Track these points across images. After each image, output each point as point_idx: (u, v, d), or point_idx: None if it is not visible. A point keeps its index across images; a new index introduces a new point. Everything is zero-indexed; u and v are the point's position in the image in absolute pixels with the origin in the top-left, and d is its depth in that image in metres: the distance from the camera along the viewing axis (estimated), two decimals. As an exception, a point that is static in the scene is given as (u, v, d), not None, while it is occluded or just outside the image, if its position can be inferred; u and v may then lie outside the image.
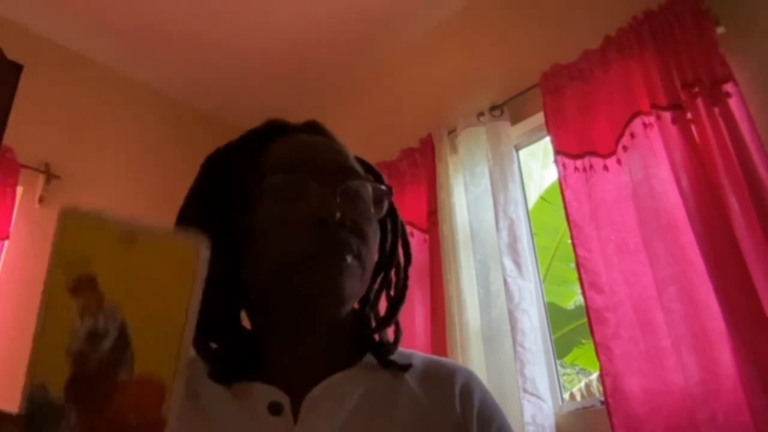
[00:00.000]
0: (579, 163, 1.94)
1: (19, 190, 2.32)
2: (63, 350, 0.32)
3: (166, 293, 0.33)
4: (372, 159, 2.61)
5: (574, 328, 4.27)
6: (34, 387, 0.32)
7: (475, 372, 0.70)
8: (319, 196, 0.58)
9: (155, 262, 0.33)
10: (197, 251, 0.33)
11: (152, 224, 0.33)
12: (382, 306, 0.68)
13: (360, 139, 2.80)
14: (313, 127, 0.70)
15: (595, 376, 3.25)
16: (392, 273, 0.69)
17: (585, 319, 1.82)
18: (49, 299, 0.33)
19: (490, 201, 2.14)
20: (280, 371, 0.59)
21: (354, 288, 0.59)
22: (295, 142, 0.66)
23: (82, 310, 0.32)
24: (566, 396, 3.02)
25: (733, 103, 1.68)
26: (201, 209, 0.63)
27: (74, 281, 0.32)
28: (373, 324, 0.67)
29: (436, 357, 0.71)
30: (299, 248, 0.57)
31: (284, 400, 0.56)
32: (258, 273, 0.60)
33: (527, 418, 1.78)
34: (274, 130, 0.68)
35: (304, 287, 0.58)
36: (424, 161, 2.40)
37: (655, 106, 1.81)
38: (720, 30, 1.79)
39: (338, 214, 0.57)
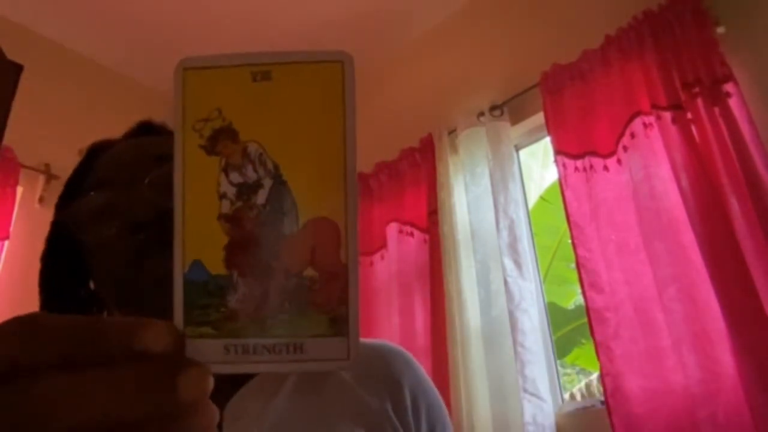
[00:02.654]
0: (579, 163, 1.94)
1: (19, 190, 2.32)
2: (213, 217, 0.28)
3: (317, 124, 0.29)
4: (372, 159, 2.62)
5: (575, 328, 4.26)
6: (188, 269, 0.28)
7: (406, 353, 0.67)
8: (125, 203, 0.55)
9: (297, 94, 0.29)
10: (341, 71, 0.29)
11: (284, 53, 0.29)
12: None
13: (360, 138, 2.80)
14: (142, 129, 0.67)
15: (595, 376, 3.25)
16: None
17: (585, 319, 1.82)
18: (185, 167, 0.29)
19: (491, 201, 2.14)
20: None
21: None
22: (100, 161, 0.63)
23: (224, 165, 0.28)
24: (566, 396, 3.02)
25: (733, 102, 1.68)
26: (46, 276, 0.63)
27: (209, 138, 0.29)
28: None
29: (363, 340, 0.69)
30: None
31: None
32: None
33: (527, 418, 1.78)
34: (92, 156, 0.65)
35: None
36: (424, 161, 2.40)
37: (655, 106, 1.81)
38: (720, 30, 1.79)
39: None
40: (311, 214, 0.28)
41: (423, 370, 0.67)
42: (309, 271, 0.28)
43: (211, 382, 0.25)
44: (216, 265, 0.28)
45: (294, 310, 0.27)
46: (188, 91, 0.29)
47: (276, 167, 0.28)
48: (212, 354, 0.27)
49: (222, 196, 0.28)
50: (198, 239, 0.28)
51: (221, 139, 0.28)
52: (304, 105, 0.29)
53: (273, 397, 0.56)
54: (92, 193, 0.57)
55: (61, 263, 0.63)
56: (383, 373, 0.62)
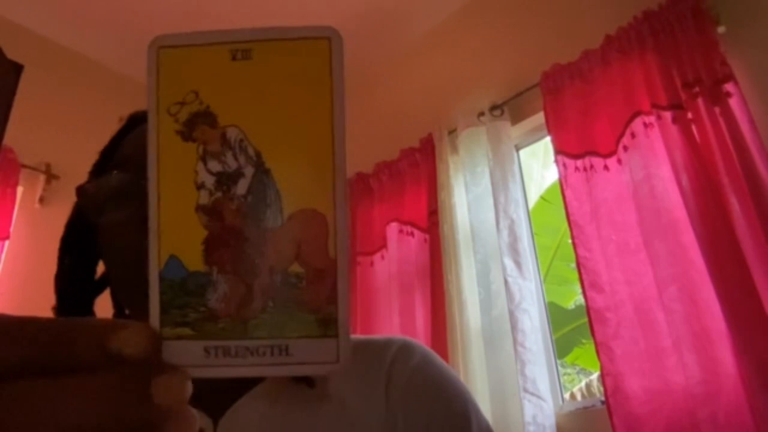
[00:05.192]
0: (579, 162, 1.94)
1: (20, 190, 2.32)
2: (190, 209, 0.26)
3: (302, 107, 0.26)
4: (372, 159, 2.61)
5: (575, 328, 4.26)
6: (164, 265, 0.26)
7: (414, 341, 0.62)
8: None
9: (280, 74, 0.26)
10: (328, 48, 0.26)
11: (266, 29, 0.27)
12: None
13: (360, 138, 2.81)
14: None
15: (595, 375, 3.24)
16: None
17: (585, 319, 1.82)
18: (160, 154, 0.26)
19: (491, 201, 2.14)
20: (197, 389, 0.53)
21: None
22: (130, 136, 0.61)
23: (202, 153, 0.26)
24: (567, 396, 3.02)
25: (734, 102, 1.68)
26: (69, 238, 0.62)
27: (186, 123, 0.26)
28: None
29: (368, 337, 0.64)
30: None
31: (205, 423, 0.51)
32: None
33: (528, 418, 1.77)
34: (128, 127, 0.64)
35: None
36: (424, 161, 2.40)
37: (655, 106, 1.81)
38: (720, 30, 1.79)
39: None
40: (297, 205, 0.26)
41: (430, 355, 0.61)
42: (295, 268, 0.26)
43: (189, 387, 0.24)
44: (194, 261, 0.26)
45: (279, 310, 0.25)
46: (163, 72, 0.27)
47: (258, 154, 0.26)
48: (191, 357, 0.25)
49: (200, 186, 0.26)
50: (174, 233, 0.26)
51: (198, 124, 0.26)
52: (287, 86, 0.26)
53: (271, 407, 0.54)
54: (113, 172, 0.55)
55: (78, 243, 0.61)
56: (378, 369, 0.58)
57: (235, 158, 0.26)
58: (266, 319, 0.25)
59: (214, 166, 0.26)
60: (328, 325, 0.25)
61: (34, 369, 0.22)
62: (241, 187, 0.26)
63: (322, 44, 0.27)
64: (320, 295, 0.26)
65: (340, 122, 0.26)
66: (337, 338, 0.25)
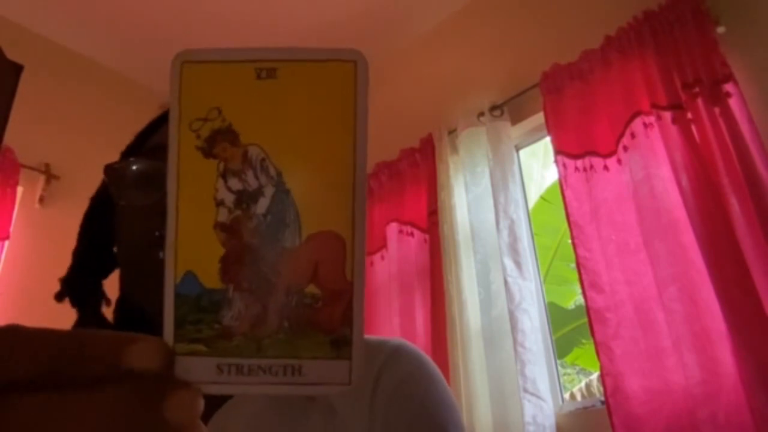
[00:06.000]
0: (579, 162, 1.94)
1: (20, 190, 2.32)
2: (209, 225, 0.26)
3: (325, 129, 0.27)
4: (372, 159, 2.60)
5: (575, 328, 4.26)
6: (180, 280, 0.26)
7: (407, 346, 0.60)
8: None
9: (304, 95, 0.27)
10: (354, 71, 0.27)
11: (292, 49, 0.27)
12: None
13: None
14: None
15: (595, 375, 3.24)
16: None
17: (585, 319, 1.82)
18: (180, 169, 0.26)
19: (491, 201, 2.14)
20: None
21: None
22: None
23: (223, 170, 0.26)
24: (567, 396, 3.02)
25: (734, 102, 1.68)
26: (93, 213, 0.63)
27: (207, 139, 0.26)
28: None
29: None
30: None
31: None
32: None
33: (528, 418, 1.78)
34: (164, 116, 0.63)
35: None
36: (424, 161, 2.40)
37: (655, 106, 1.81)
38: (720, 30, 1.79)
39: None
40: (316, 226, 0.26)
41: (421, 363, 0.60)
42: (311, 289, 0.26)
43: (201, 404, 0.24)
44: (210, 278, 0.26)
45: (293, 330, 0.26)
46: (185, 87, 0.27)
47: (279, 174, 0.26)
48: (204, 373, 0.25)
49: (219, 204, 0.26)
50: (192, 249, 0.26)
51: (220, 141, 0.26)
52: (311, 107, 0.27)
53: (259, 409, 0.54)
54: (136, 157, 0.56)
55: (98, 221, 0.62)
56: (367, 374, 0.56)
57: (256, 177, 0.26)
58: (280, 338, 0.26)
59: (235, 184, 0.26)
60: (341, 347, 0.26)
61: (46, 382, 0.22)
62: (261, 206, 0.26)
63: (347, 67, 0.27)
64: (335, 317, 0.26)
65: (362, 146, 0.27)
66: (350, 360, 0.26)
